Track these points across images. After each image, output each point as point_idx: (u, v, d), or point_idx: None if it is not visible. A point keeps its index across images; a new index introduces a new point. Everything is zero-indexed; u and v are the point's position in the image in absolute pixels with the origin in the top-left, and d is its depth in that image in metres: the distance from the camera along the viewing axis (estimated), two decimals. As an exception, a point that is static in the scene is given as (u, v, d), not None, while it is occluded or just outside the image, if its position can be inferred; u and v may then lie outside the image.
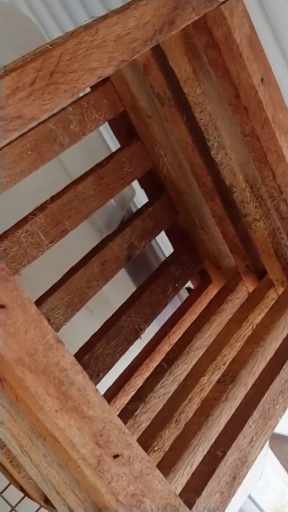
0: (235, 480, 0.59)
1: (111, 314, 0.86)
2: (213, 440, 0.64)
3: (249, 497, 1.86)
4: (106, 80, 0.78)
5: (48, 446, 0.52)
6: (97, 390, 0.45)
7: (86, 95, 0.76)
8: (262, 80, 0.67)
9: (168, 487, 0.50)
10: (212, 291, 0.97)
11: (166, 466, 0.62)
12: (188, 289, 1.08)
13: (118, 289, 0.95)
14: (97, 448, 0.45)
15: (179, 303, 0.99)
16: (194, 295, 0.97)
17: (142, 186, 0.91)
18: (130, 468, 0.47)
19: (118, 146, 0.86)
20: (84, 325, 0.84)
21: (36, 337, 0.41)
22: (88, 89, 0.78)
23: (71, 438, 0.43)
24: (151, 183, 0.88)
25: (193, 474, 0.60)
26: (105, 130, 0.96)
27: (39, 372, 0.41)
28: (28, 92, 0.42)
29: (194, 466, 0.62)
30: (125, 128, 0.83)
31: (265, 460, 1.57)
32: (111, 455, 0.46)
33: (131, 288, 0.94)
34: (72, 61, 0.45)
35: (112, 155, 0.80)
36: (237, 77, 0.66)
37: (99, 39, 0.47)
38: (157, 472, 0.49)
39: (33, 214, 0.70)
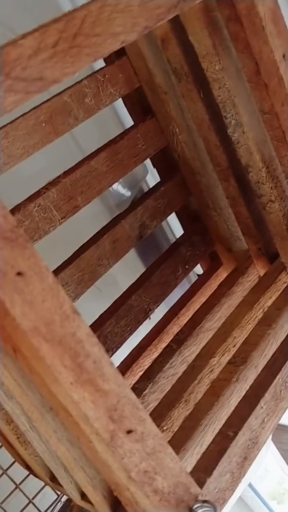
0: (246, 460, 0.59)
1: (119, 294, 0.85)
2: (223, 421, 0.63)
3: (248, 484, 1.87)
4: (123, 54, 0.76)
5: (59, 421, 0.51)
6: (112, 363, 0.44)
7: (101, 68, 0.74)
8: (283, 56, 0.65)
9: (180, 465, 0.49)
10: (222, 274, 0.95)
11: (176, 445, 0.61)
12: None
13: (127, 269, 0.94)
14: (111, 422, 0.44)
15: (188, 286, 0.98)
16: (203, 277, 0.96)
17: (154, 165, 0.89)
18: (143, 445, 0.46)
19: (131, 123, 0.84)
20: (92, 304, 0.83)
21: (53, 307, 0.40)
22: (103, 63, 0.77)
23: (85, 411, 0.42)
24: (164, 162, 0.87)
25: (203, 453, 0.59)
26: (119, 106, 0.94)
27: (55, 343, 0.40)
28: (51, 54, 0.41)
29: (204, 446, 0.61)
30: (139, 105, 0.82)
31: (268, 448, 1.57)
32: (125, 430, 0.45)
33: (140, 269, 0.93)
34: (95, 24, 0.44)
35: (126, 132, 0.79)
36: (259, 53, 0.65)
37: (124, 3, 0.45)
38: (170, 449, 0.48)
39: (45, 188, 0.69)
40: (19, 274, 0.38)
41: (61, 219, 0.70)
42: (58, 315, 0.40)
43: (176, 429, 0.66)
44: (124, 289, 0.85)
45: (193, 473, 0.58)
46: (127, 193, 0.93)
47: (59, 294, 0.40)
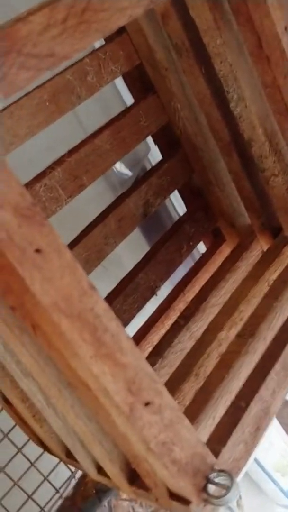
0: (258, 430, 0.60)
1: (124, 273, 0.85)
2: (235, 393, 0.64)
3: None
4: (123, 31, 0.76)
5: (76, 396, 0.52)
6: (129, 337, 0.44)
7: (102, 46, 0.74)
8: (286, 28, 0.65)
9: (196, 436, 0.50)
10: (225, 250, 0.96)
11: (189, 418, 0.62)
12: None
13: (132, 248, 0.94)
14: (130, 395, 0.44)
15: (192, 264, 0.98)
16: (207, 254, 0.96)
17: (156, 143, 0.89)
18: (161, 416, 0.47)
19: (133, 101, 0.84)
20: (98, 283, 0.83)
21: (71, 283, 0.40)
22: (103, 41, 0.76)
23: (105, 385, 0.43)
24: (166, 139, 0.87)
25: (217, 425, 0.60)
26: (120, 84, 0.94)
27: (74, 318, 0.40)
28: (61, 30, 0.41)
29: (217, 419, 0.62)
30: (140, 82, 0.82)
31: (273, 421, 1.58)
32: (143, 402, 0.45)
33: (144, 248, 0.93)
34: (103, -1, 0.44)
35: (128, 109, 0.79)
36: (260, 25, 0.65)
37: (129, -23, 0.45)
38: (186, 421, 0.49)
39: (51, 168, 0.69)
40: (37, 251, 0.38)
41: (67, 198, 0.70)
42: (76, 290, 0.40)
43: (188, 403, 0.67)
44: (129, 268, 0.86)
45: (208, 444, 0.58)
46: (129, 171, 0.93)
47: (77, 270, 0.40)
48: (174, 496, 0.53)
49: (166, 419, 0.48)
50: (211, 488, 0.51)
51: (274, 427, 1.96)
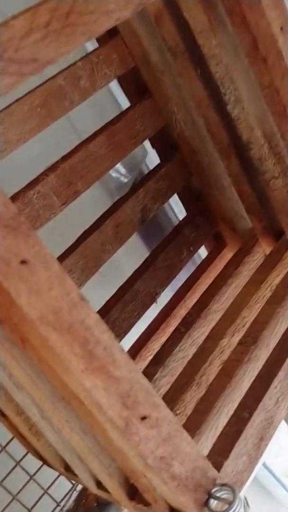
0: (262, 441, 0.58)
1: (123, 279, 0.84)
2: (237, 402, 0.62)
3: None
4: (116, 34, 0.75)
5: (71, 410, 0.50)
6: (123, 349, 0.43)
7: (96, 49, 0.73)
8: (281, 28, 0.64)
9: (196, 450, 0.48)
10: (227, 255, 0.94)
11: (190, 429, 0.61)
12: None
13: (131, 254, 0.93)
14: (125, 409, 0.43)
15: (193, 269, 0.97)
16: (209, 259, 0.95)
17: (153, 146, 0.88)
18: (158, 430, 0.45)
19: (128, 105, 0.83)
20: (96, 290, 0.82)
21: (60, 295, 0.38)
22: (97, 45, 0.75)
23: (98, 399, 0.41)
24: (164, 143, 0.85)
25: (219, 436, 0.59)
26: (114, 88, 0.92)
27: (63, 331, 0.39)
28: (44, 34, 0.39)
29: (219, 429, 0.60)
30: (135, 85, 0.80)
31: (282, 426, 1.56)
32: (139, 417, 0.44)
33: (143, 254, 0.92)
34: (88, 1, 0.42)
35: (124, 113, 0.77)
36: (256, 26, 0.63)
37: (116, -22, 0.44)
38: (185, 434, 0.48)
39: (44, 174, 0.68)
40: (23, 262, 0.37)
41: (62, 205, 0.69)
42: (65, 302, 0.39)
43: (189, 413, 0.65)
44: (129, 274, 0.84)
45: (209, 456, 0.57)
46: (127, 176, 0.91)
47: (66, 281, 0.39)
48: (175, 511, 0.52)
49: (164, 433, 0.46)
50: (213, 503, 0.49)
51: (283, 431, 1.94)
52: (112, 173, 0.83)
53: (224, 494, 0.50)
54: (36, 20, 0.40)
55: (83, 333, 0.40)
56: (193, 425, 0.61)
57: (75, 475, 0.64)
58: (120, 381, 0.42)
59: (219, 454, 0.56)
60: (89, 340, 0.40)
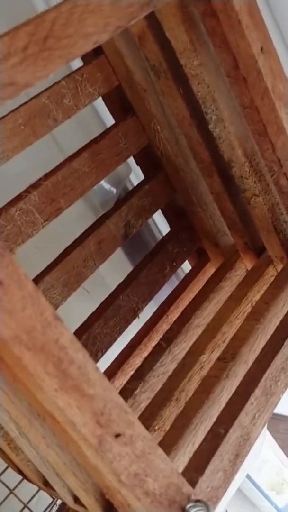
0: (238, 458, 0.58)
1: (107, 294, 0.84)
2: (214, 418, 0.63)
3: (246, 476, 1.87)
4: (100, 53, 0.76)
5: (47, 427, 0.51)
6: (97, 368, 0.43)
7: (79, 68, 0.73)
8: (261, 49, 0.65)
9: (171, 466, 0.49)
10: (210, 270, 0.95)
11: (167, 445, 0.61)
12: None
13: (115, 269, 0.94)
14: (98, 427, 0.43)
15: (177, 283, 0.97)
16: (191, 274, 0.96)
17: (138, 163, 0.89)
18: (132, 448, 0.46)
19: (112, 122, 0.84)
20: (80, 305, 0.82)
21: (33, 314, 0.39)
22: (81, 63, 0.76)
23: (71, 417, 0.42)
24: (147, 160, 0.86)
25: (195, 452, 0.59)
26: (99, 106, 0.93)
27: (37, 350, 0.39)
28: (21, 58, 0.40)
29: (196, 445, 0.61)
30: (119, 103, 0.81)
31: (263, 439, 1.57)
32: (113, 434, 0.44)
33: (127, 268, 0.92)
34: (66, 26, 0.43)
35: (107, 131, 0.78)
36: (236, 47, 0.64)
37: (95, 3, 0.45)
38: (160, 451, 0.48)
39: (27, 191, 0.68)
40: (-3, 282, 0.37)
41: (44, 222, 0.69)
42: (39, 322, 0.40)
43: (167, 428, 0.66)
44: (112, 288, 0.85)
45: (185, 472, 0.57)
46: (111, 192, 0.92)
47: (40, 301, 0.40)
48: (149, 527, 0.52)
49: (138, 450, 0.47)
50: (187, 519, 0.50)
51: (268, 444, 1.94)
52: (96, 189, 0.84)
53: (198, 510, 0.50)
54: (14, 44, 0.40)
55: (57, 352, 0.41)
56: (170, 441, 0.62)
57: (54, 490, 0.64)
58: (94, 400, 0.43)
59: (195, 470, 0.57)
60: (63, 360, 0.41)
